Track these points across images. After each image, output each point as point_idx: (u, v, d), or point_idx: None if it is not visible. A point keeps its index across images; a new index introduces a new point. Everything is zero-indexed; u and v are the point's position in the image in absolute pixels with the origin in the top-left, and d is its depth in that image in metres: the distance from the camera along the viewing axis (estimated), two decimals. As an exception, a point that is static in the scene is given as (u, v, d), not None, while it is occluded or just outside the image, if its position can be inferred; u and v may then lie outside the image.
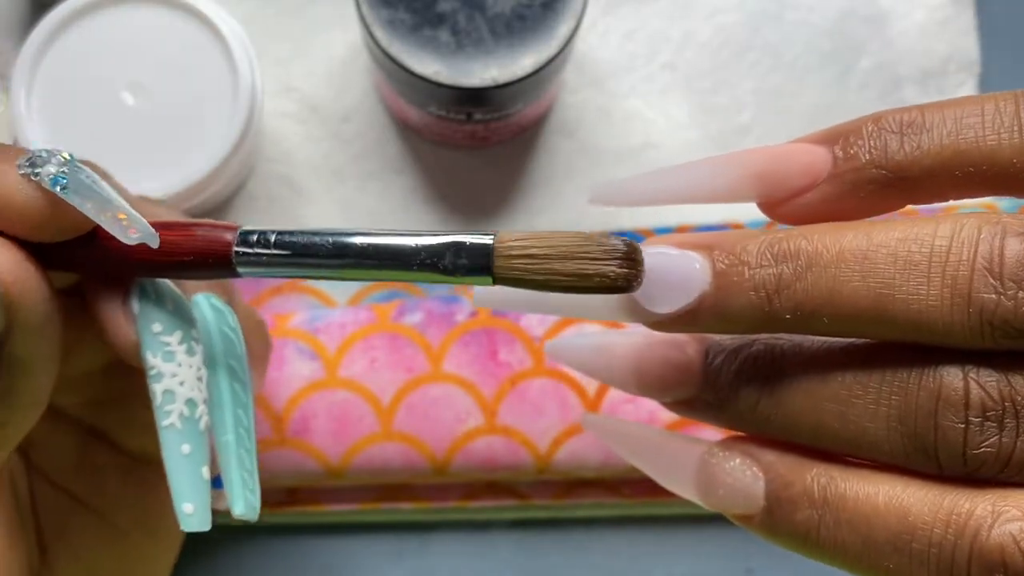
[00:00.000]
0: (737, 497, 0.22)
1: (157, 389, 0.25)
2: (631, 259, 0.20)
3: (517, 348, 0.38)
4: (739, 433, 0.23)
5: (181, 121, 0.38)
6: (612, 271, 0.20)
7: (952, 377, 0.20)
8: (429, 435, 0.38)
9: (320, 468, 0.38)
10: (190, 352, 0.25)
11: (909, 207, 0.22)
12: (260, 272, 0.23)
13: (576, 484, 0.40)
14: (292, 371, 0.38)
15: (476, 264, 0.21)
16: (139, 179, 0.37)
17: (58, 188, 0.23)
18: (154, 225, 0.23)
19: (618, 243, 0.20)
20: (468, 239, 0.21)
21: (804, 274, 0.20)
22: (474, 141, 0.41)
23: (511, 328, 0.38)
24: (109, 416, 0.31)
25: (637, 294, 0.21)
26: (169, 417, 0.25)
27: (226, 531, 0.40)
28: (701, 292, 0.21)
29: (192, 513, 0.24)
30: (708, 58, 0.44)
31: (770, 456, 0.22)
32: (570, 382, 0.38)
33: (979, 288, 0.19)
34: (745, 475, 0.22)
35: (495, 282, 0.21)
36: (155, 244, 0.23)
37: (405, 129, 0.43)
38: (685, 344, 0.23)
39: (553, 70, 0.37)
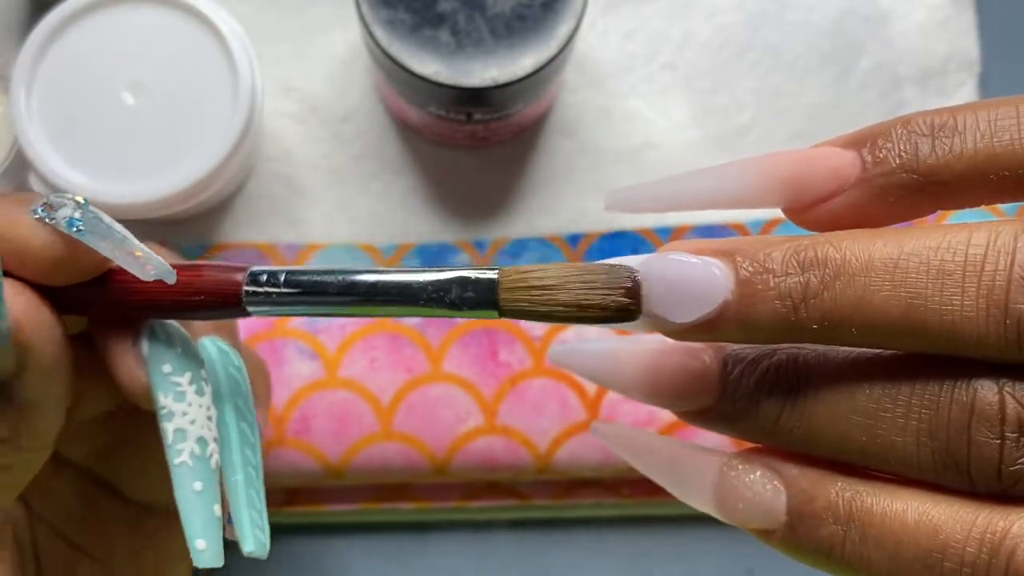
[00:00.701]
0: (757, 512, 0.21)
1: (168, 428, 0.25)
2: (632, 290, 0.20)
3: (517, 348, 0.38)
4: (755, 445, 0.22)
5: (181, 121, 0.38)
6: (613, 301, 0.20)
7: (987, 391, 0.19)
8: (429, 435, 0.38)
9: (320, 468, 0.38)
10: (199, 392, 0.25)
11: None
12: (269, 311, 0.24)
13: (576, 484, 0.40)
14: (292, 371, 0.38)
15: (482, 298, 0.22)
16: (140, 179, 0.38)
17: (74, 230, 0.23)
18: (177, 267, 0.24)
19: (620, 273, 0.20)
20: (473, 274, 0.22)
21: (832, 283, 0.19)
22: (474, 141, 0.41)
23: (511, 328, 0.38)
24: (112, 465, 0.31)
25: (656, 303, 0.21)
26: (181, 455, 0.25)
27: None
28: (723, 300, 0.20)
29: (205, 549, 0.25)
30: (708, 58, 0.44)
31: (792, 469, 0.21)
32: (570, 382, 0.38)
33: (1016, 298, 0.18)
34: (766, 489, 0.21)
35: (501, 315, 0.22)
36: (172, 280, 0.24)
37: (405, 129, 0.43)
38: (701, 352, 0.22)
39: (553, 70, 0.37)
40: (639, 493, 0.40)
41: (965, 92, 0.43)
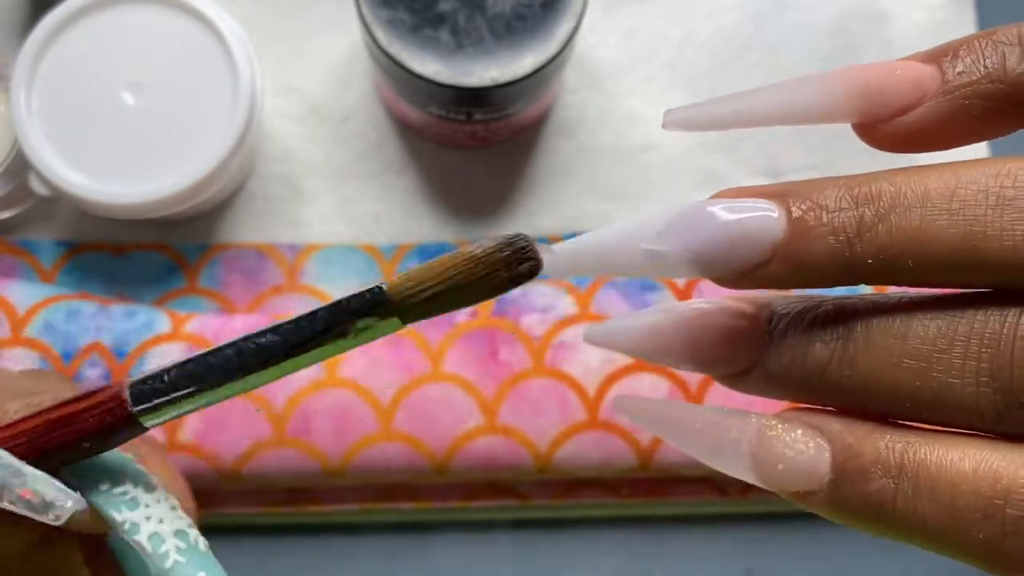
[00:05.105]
0: (799, 472, 0.19)
1: (142, 540, 0.24)
2: (519, 256, 0.20)
3: (517, 348, 0.38)
4: (796, 405, 0.21)
5: (181, 121, 0.38)
6: (505, 278, 0.20)
7: None
8: (429, 435, 0.38)
9: (320, 468, 0.38)
10: (148, 488, 0.24)
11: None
12: (167, 417, 0.22)
13: (576, 484, 0.40)
14: (292, 371, 0.38)
15: (376, 312, 0.20)
16: (140, 179, 0.38)
17: None
18: (32, 429, 0.22)
19: (501, 245, 0.20)
20: (357, 296, 0.20)
21: (887, 215, 0.18)
22: (474, 141, 0.41)
23: (511, 328, 0.38)
24: None
25: (707, 249, 0.19)
26: (168, 559, 0.24)
27: (225, 531, 0.40)
28: (775, 241, 0.19)
29: None
30: (708, 58, 0.44)
31: (836, 424, 0.19)
32: (570, 382, 0.38)
33: None
34: (808, 447, 0.19)
35: (403, 324, 0.21)
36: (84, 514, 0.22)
37: (405, 129, 0.43)
38: (742, 311, 0.21)
39: (553, 70, 0.37)
40: (639, 493, 0.40)
41: (965, 92, 0.43)
